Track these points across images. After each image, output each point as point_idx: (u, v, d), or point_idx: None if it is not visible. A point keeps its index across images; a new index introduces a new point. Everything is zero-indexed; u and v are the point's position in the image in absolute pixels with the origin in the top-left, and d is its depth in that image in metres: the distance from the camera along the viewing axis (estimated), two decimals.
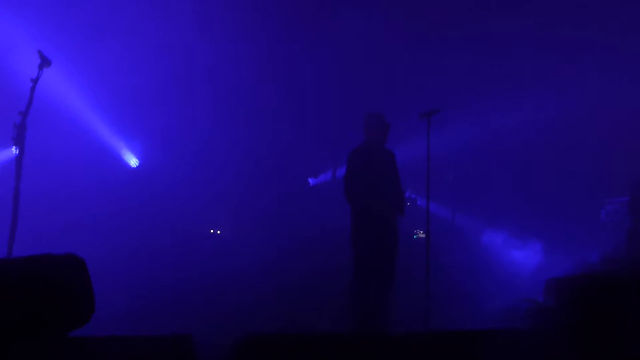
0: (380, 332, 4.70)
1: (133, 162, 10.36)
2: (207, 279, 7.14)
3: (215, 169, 9.96)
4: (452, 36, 9.32)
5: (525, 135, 9.53)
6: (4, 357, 1.59)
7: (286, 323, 5.61)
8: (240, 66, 9.69)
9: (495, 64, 9.42)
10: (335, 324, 5.36)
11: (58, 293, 1.75)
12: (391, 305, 5.03)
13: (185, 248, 8.70)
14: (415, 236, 8.47)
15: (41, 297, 1.72)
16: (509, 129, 9.45)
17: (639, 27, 8.35)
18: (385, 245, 5.13)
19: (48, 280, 1.74)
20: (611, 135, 8.88)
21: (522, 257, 9.89)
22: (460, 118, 8.88)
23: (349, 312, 5.02)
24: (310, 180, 11.58)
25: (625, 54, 8.76)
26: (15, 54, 7.33)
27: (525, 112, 9.34)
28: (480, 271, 8.89)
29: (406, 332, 4.64)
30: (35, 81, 4.62)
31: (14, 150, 4.54)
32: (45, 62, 4.68)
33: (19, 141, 4.50)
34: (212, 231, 10.60)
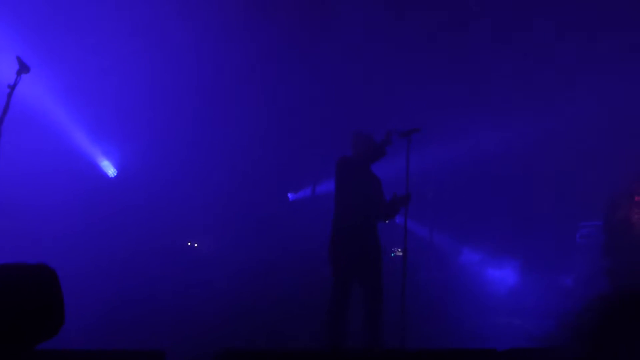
0: (356, 349, 4.66)
1: (111, 171, 10.22)
2: (182, 294, 7.04)
3: (194, 181, 9.89)
4: (434, 56, 9.42)
5: (504, 157, 9.65)
6: None
7: (262, 339, 5.54)
8: (221, 78, 9.66)
9: (475, 84, 9.54)
10: (313, 341, 5.31)
11: (26, 304, 1.70)
12: (379, 323, 4.95)
13: (162, 261, 8.58)
14: (392, 254, 8.48)
15: (8, 307, 1.66)
16: (489, 149, 9.56)
17: (614, 53, 8.54)
18: (367, 259, 5.07)
19: (16, 290, 1.69)
20: (587, 160, 9.03)
21: (498, 276, 9.96)
22: (440, 137, 8.96)
23: (325, 328, 4.95)
24: (290, 195, 11.55)
25: (601, 79, 8.94)
26: None
27: (505, 133, 9.46)
28: (456, 290, 8.93)
29: (382, 350, 4.62)
30: (12, 87, 4.53)
31: None
32: (23, 68, 4.60)
33: None
34: (189, 244, 10.48)
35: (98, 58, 8.75)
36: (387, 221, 5.41)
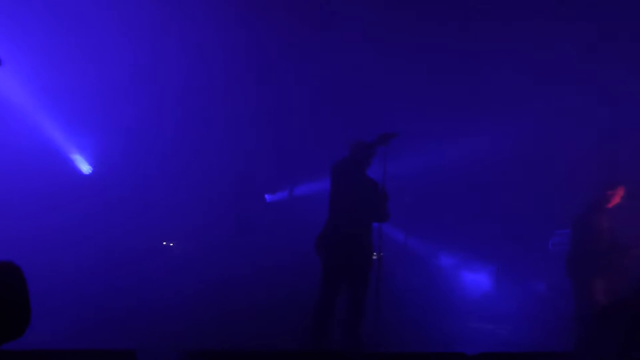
0: (330, 351, 4.67)
1: (85, 168, 10.07)
2: (156, 293, 6.97)
3: (170, 180, 9.79)
4: (414, 61, 9.50)
5: (481, 163, 9.74)
6: None
7: (237, 340, 5.53)
8: (200, 75, 9.57)
9: (453, 90, 9.64)
10: (290, 342, 5.31)
11: None
12: (359, 325, 4.97)
13: (136, 261, 8.48)
14: None
15: None
16: (466, 155, 9.65)
17: (587, 63, 8.70)
18: (356, 262, 5.09)
19: None
20: (563, 169, 9.18)
21: (472, 281, 10.07)
22: (418, 142, 9.02)
23: (310, 327, 4.97)
24: (267, 197, 11.53)
25: (575, 89, 9.11)
26: None
27: (482, 140, 9.57)
28: (431, 294, 9.00)
29: (355, 352, 4.64)
30: None
31: None
32: None
33: None
34: (164, 243, 10.40)
35: (71, 50, 8.61)
36: (382, 222, 5.39)
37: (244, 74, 9.82)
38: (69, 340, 4.67)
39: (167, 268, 8.57)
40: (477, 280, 10.04)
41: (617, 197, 5.96)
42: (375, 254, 5.32)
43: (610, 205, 5.94)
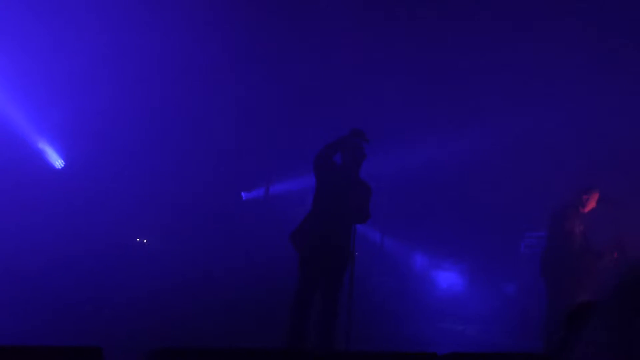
0: (302, 351, 4.67)
1: (58, 163, 9.91)
2: (126, 290, 6.89)
3: (145, 175, 9.66)
4: (389, 62, 9.55)
5: (454, 164, 9.84)
6: None
7: (208, 338, 5.49)
8: (175, 71, 9.48)
9: (431, 92, 9.72)
10: (262, 340, 5.29)
11: None
12: (331, 324, 4.96)
13: (108, 256, 8.37)
14: None
15: None
16: (440, 156, 9.74)
17: (565, 69, 8.83)
18: (331, 260, 5.08)
19: None
20: (535, 172, 9.31)
21: (445, 282, 10.17)
22: (392, 142, 9.06)
23: (287, 323, 4.95)
24: (243, 194, 11.48)
25: (548, 93, 9.24)
26: None
27: (457, 142, 9.66)
28: (404, 294, 9.07)
29: (327, 352, 4.63)
30: None
31: None
32: None
33: None
34: (138, 239, 10.28)
35: (43, 39, 8.46)
36: (362, 223, 5.38)
37: (221, 70, 9.77)
38: (35, 337, 4.59)
39: (140, 264, 8.47)
40: (449, 280, 10.15)
41: (592, 202, 6.04)
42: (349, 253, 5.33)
43: (586, 210, 6.02)
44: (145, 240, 10.26)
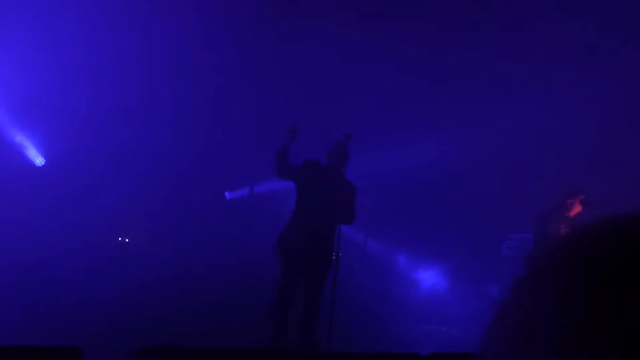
0: (285, 351, 4.65)
1: (38, 160, 9.76)
2: (107, 289, 6.80)
3: (128, 174, 9.56)
4: (376, 63, 9.57)
5: (438, 166, 9.88)
6: None
7: (188, 338, 5.44)
8: (158, 69, 9.41)
9: (412, 93, 9.75)
10: (245, 340, 5.25)
11: None
12: (313, 324, 4.95)
13: (89, 256, 8.27)
14: None
15: None
16: (424, 158, 9.77)
17: (549, 64, 8.91)
18: (313, 260, 5.06)
19: None
20: (518, 175, 9.39)
21: (429, 284, 10.20)
22: (377, 144, 9.08)
23: (269, 323, 4.94)
24: (227, 194, 11.42)
25: (532, 94, 9.33)
26: None
27: (441, 143, 9.70)
28: (388, 295, 9.08)
29: (310, 352, 4.62)
30: None
31: None
32: None
33: None
34: (120, 239, 10.18)
35: (24, 39, 8.35)
36: (347, 224, 5.38)
37: (207, 70, 9.71)
38: (13, 337, 4.50)
39: (122, 264, 8.39)
40: (432, 281, 10.19)
41: (577, 206, 6.08)
42: (333, 254, 5.32)
43: (571, 214, 6.06)
44: (127, 240, 10.17)
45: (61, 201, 8.99)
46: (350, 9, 9.07)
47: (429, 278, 10.26)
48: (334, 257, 5.30)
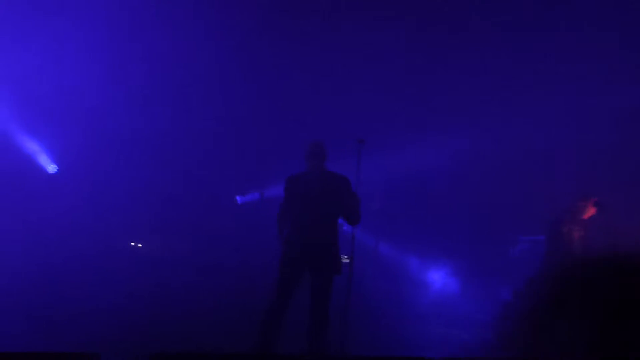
0: (295, 355, 4.68)
1: (51, 167, 9.88)
2: (122, 295, 6.89)
3: (139, 181, 9.65)
4: (384, 67, 9.58)
5: (449, 169, 9.88)
6: None
7: (202, 343, 5.49)
8: (169, 73, 9.47)
9: (423, 96, 9.76)
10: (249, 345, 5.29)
11: None
12: (321, 327, 4.96)
13: (103, 261, 8.36)
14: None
15: None
16: (435, 161, 9.78)
17: (555, 68, 8.88)
18: (313, 264, 5.06)
19: None
20: (531, 177, 9.36)
21: (441, 286, 10.19)
22: (387, 148, 9.09)
23: (259, 326, 4.95)
24: (238, 199, 11.48)
25: (543, 96, 9.30)
26: None
27: (452, 147, 9.70)
28: (400, 298, 9.08)
29: (321, 356, 4.65)
30: None
31: None
32: None
33: None
34: (132, 244, 10.27)
35: (33, 47, 8.45)
36: (353, 225, 5.40)
37: (216, 73, 9.77)
38: (31, 344, 4.59)
39: (134, 269, 8.47)
40: (445, 285, 10.17)
41: (590, 208, 6.07)
42: (346, 257, 5.33)
43: (584, 217, 6.05)
44: (140, 245, 10.26)
45: (73, 208, 9.09)
46: (356, 9, 9.07)
47: (439, 280, 10.25)
48: (344, 260, 5.29)
